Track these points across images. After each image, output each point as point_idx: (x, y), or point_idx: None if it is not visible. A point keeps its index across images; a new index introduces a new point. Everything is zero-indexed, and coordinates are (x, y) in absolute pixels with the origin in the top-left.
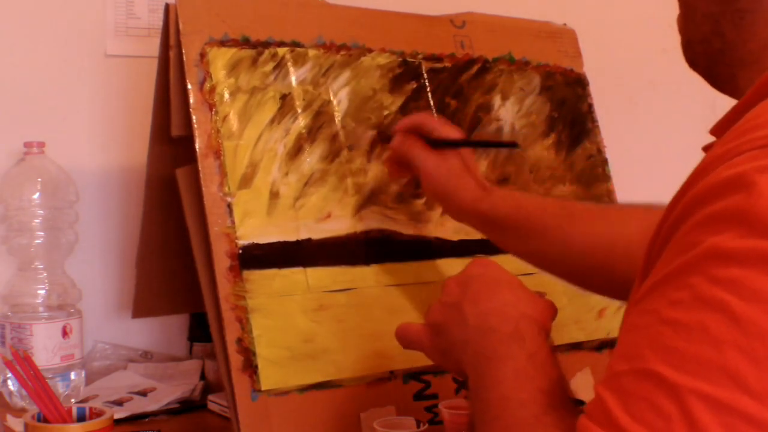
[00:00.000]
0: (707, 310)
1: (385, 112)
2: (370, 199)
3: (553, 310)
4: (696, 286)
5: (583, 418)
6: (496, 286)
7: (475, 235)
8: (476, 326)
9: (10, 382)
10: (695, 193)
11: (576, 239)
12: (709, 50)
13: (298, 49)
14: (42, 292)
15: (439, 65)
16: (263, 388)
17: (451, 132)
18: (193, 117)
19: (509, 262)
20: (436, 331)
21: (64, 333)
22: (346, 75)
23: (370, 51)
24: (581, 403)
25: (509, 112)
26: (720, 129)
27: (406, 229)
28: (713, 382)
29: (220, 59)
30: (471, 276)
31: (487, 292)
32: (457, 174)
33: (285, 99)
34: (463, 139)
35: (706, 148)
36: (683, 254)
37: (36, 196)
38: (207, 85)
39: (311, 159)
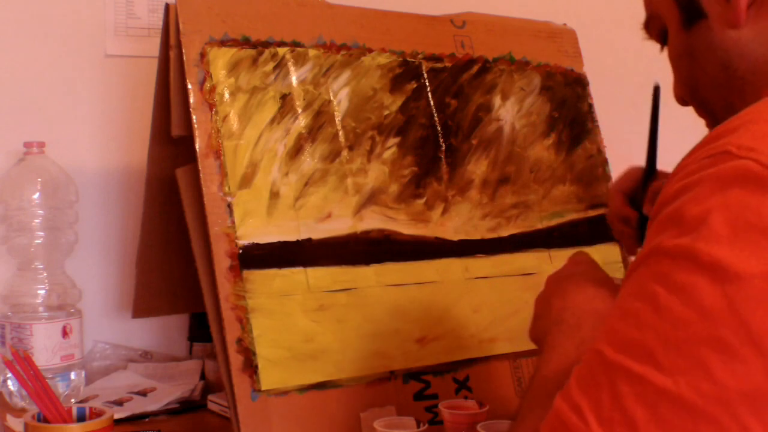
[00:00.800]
0: (642, 299)
1: (385, 112)
2: (370, 199)
3: None
4: (640, 279)
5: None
6: (584, 283)
7: (476, 235)
8: (554, 319)
9: (10, 382)
10: (658, 202)
11: None
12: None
13: (299, 48)
14: (42, 292)
15: (439, 65)
16: (263, 388)
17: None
18: (193, 117)
19: (508, 263)
20: (535, 321)
21: (64, 333)
22: (346, 75)
23: (370, 51)
24: None
25: (509, 112)
26: None
27: (406, 229)
28: (635, 358)
29: (221, 59)
30: (565, 274)
31: (574, 288)
32: None
33: (285, 99)
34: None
35: None
36: (643, 250)
37: (36, 196)
38: (207, 85)
39: (311, 159)
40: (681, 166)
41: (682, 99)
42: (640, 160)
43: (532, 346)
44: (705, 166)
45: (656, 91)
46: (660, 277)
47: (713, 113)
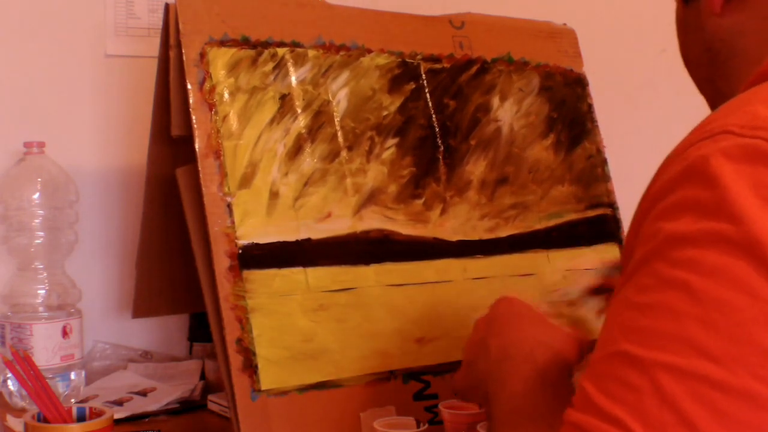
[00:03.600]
0: (668, 289)
1: (384, 113)
2: (369, 199)
3: (577, 342)
4: (658, 270)
5: (568, 409)
6: (519, 320)
7: (474, 235)
8: (496, 357)
9: (10, 382)
10: (656, 189)
11: None
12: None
13: (298, 49)
14: (42, 292)
15: (437, 66)
16: (263, 388)
17: None
18: (193, 117)
19: (507, 263)
20: (467, 368)
21: (64, 333)
22: (345, 75)
23: (369, 51)
24: None
25: (508, 113)
26: None
27: (406, 229)
28: (677, 353)
29: (220, 59)
30: (496, 314)
31: (509, 326)
32: None
33: (285, 99)
34: None
35: None
36: (647, 244)
37: (36, 196)
38: (207, 85)
39: (311, 159)
40: (676, 151)
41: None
42: (640, 160)
43: None
44: (705, 146)
45: None
46: (688, 264)
47: (701, 89)
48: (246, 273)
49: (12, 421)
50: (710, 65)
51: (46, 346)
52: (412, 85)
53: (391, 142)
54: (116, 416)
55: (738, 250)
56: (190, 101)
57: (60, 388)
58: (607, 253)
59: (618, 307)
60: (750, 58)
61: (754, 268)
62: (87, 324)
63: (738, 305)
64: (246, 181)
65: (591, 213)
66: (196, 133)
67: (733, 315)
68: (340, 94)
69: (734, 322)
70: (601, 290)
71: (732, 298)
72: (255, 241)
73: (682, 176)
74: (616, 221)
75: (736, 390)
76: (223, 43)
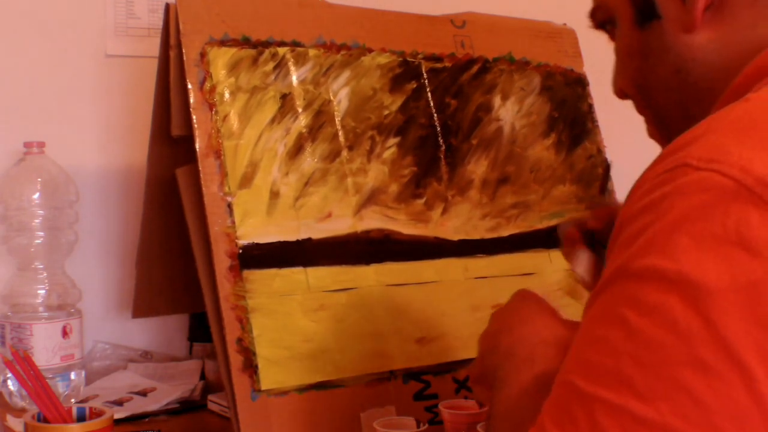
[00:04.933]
0: (612, 324)
1: (385, 112)
2: (370, 199)
3: None
4: (606, 302)
5: (530, 428)
6: (530, 316)
7: (475, 235)
8: (503, 353)
9: (10, 382)
10: (618, 222)
11: None
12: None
13: (299, 48)
14: (42, 292)
15: (439, 65)
16: (263, 388)
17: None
18: (193, 117)
19: (508, 263)
20: (481, 359)
21: (64, 333)
22: (346, 74)
23: (370, 51)
24: None
25: (509, 112)
26: None
27: (406, 229)
28: (611, 388)
29: (221, 59)
30: (510, 309)
31: (520, 321)
32: None
33: (285, 98)
34: None
35: None
36: (607, 271)
37: (36, 196)
38: (207, 85)
39: (311, 158)
40: (640, 182)
41: (623, 92)
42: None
43: None
44: (665, 181)
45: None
46: (628, 300)
47: (665, 116)
48: (246, 273)
49: (12, 421)
50: (680, 88)
51: (46, 346)
52: (413, 85)
53: (392, 141)
54: (116, 416)
55: (672, 288)
56: (191, 101)
57: (60, 388)
58: None
59: (580, 330)
60: (729, 74)
61: (684, 308)
62: (87, 324)
63: (666, 344)
64: (246, 180)
65: None
66: (197, 132)
67: (660, 353)
68: (340, 94)
69: (660, 360)
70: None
71: (661, 336)
72: (255, 241)
73: (642, 209)
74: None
75: (661, 426)
76: (223, 43)
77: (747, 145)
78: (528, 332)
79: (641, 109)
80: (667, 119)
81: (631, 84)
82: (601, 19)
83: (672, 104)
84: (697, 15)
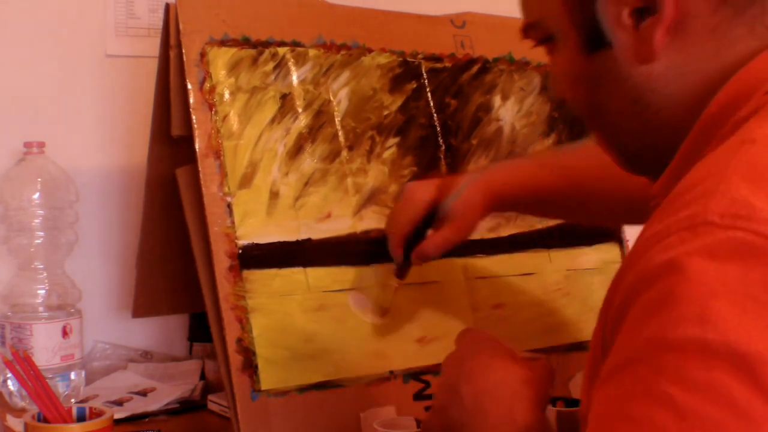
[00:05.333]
0: (653, 403)
1: (385, 112)
2: (370, 199)
3: (549, 375)
4: (642, 377)
5: None
6: (490, 363)
7: (475, 235)
8: (472, 408)
9: (10, 382)
10: (634, 278)
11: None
12: (649, 156)
13: (299, 48)
14: (42, 292)
15: (439, 65)
16: (263, 388)
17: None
18: (193, 117)
19: (508, 263)
20: (439, 412)
21: (64, 333)
22: (346, 75)
23: (370, 51)
24: (576, 403)
25: (509, 112)
26: (661, 188)
27: None
28: None
29: (221, 59)
30: (466, 355)
31: (481, 370)
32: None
33: (285, 99)
34: None
35: (655, 205)
36: (631, 341)
37: (36, 196)
38: (207, 85)
39: (311, 159)
40: (648, 236)
41: (562, 99)
42: None
43: (531, 346)
44: (685, 239)
45: None
46: (671, 376)
47: (622, 142)
48: (246, 273)
49: (12, 421)
50: (639, 118)
51: (46, 346)
52: (413, 85)
53: (392, 141)
54: (116, 416)
55: (722, 361)
56: (191, 101)
57: (60, 388)
58: (607, 253)
59: (607, 407)
60: (693, 104)
61: (739, 383)
62: (87, 324)
63: (725, 425)
64: (246, 180)
65: None
66: (196, 133)
67: None
68: (340, 94)
69: None
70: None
71: (719, 417)
72: (255, 241)
73: (665, 269)
74: None
75: None
76: (223, 43)
77: None
78: (497, 384)
79: (592, 129)
80: (624, 146)
81: (581, 107)
82: (537, 38)
83: (630, 132)
84: (656, 46)
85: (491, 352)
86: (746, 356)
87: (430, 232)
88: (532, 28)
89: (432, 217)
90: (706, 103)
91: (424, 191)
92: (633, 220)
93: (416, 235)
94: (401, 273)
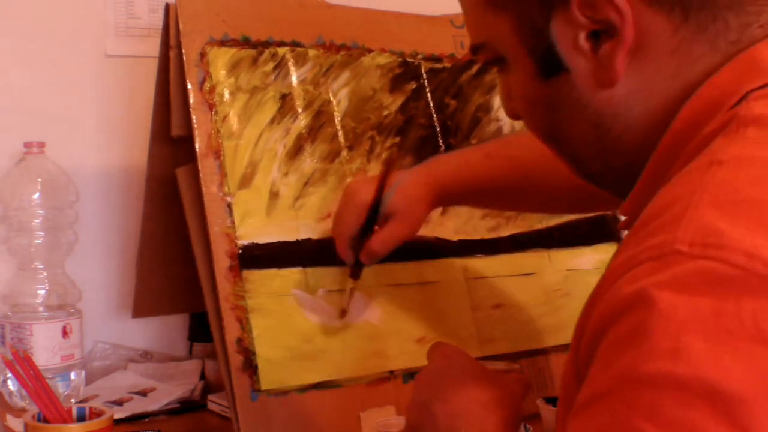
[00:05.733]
0: None
1: (385, 112)
2: None
3: (522, 388)
4: (616, 412)
5: None
6: (462, 381)
7: (475, 235)
8: (445, 428)
9: (10, 382)
10: (604, 309)
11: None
12: (612, 174)
13: (299, 48)
14: (42, 292)
15: (438, 65)
16: (263, 388)
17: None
18: (193, 117)
19: (508, 263)
20: (414, 431)
21: (64, 333)
22: (346, 75)
23: (369, 51)
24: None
25: None
26: (629, 208)
27: None
28: None
29: (221, 59)
30: (438, 372)
31: (454, 389)
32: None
33: (285, 99)
34: None
35: (624, 226)
36: (604, 372)
37: (36, 196)
38: (207, 85)
39: (311, 159)
40: (615, 266)
41: (516, 116)
42: None
43: (531, 347)
44: (654, 270)
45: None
46: (645, 412)
47: (583, 164)
48: (246, 273)
49: (12, 421)
50: (599, 142)
51: (46, 346)
52: (412, 85)
53: (392, 141)
54: (116, 416)
55: (697, 399)
56: (190, 101)
57: (60, 388)
58: (607, 253)
59: None
60: (656, 125)
61: (716, 423)
62: (87, 324)
63: None
64: (246, 181)
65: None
66: (196, 133)
67: None
68: (340, 94)
69: None
70: None
71: None
72: (255, 241)
73: (634, 302)
74: (616, 221)
75: None
76: (223, 43)
77: (741, 225)
78: (469, 403)
79: (551, 150)
80: (585, 167)
81: (538, 130)
82: (486, 59)
83: (590, 156)
84: (616, 70)
85: (463, 369)
86: (723, 394)
87: (376, 229)
88: (481, 49)
89: (376, 215)
90: (669, 123)
91: (365, 190)
92: (581, 209)
93: (363, 235)
94: (355, 274)
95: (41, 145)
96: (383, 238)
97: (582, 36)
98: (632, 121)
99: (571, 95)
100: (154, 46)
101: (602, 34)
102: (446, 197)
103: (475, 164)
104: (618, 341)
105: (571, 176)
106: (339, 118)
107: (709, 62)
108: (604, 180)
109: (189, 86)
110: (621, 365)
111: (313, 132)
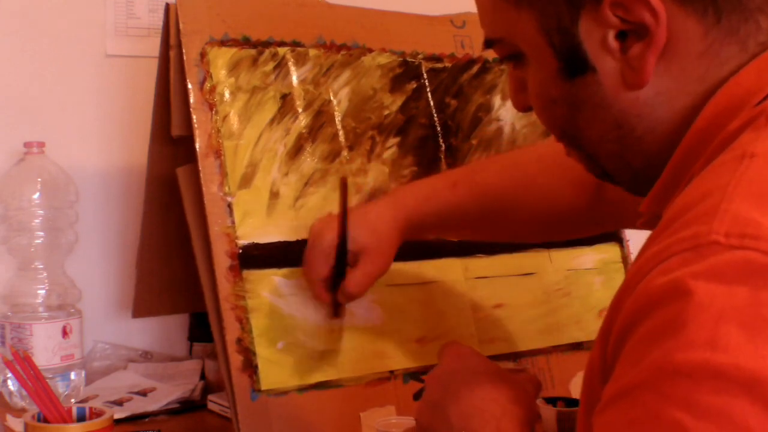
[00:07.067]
0: (662, 430)
1: (386, 112)
2: (370, 199)
3: (536, 387)
4: (650, 404)
5: None
6: (476, 380)
7: None
8: (459, 428)
9: (10, 382)
10: (635, 301)
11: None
12: (627, 173)
13: (299, 48)
14: (42, 292)
15: (439, 65)
16: (263, 388)
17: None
18: (193, 117)
19: (508, 263)
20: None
21: (64, 333)
22: (346, 75)
23: (370, 51)
24: (576, 403)
25: (510, 112)
26: (649, 205)
27: None
28: None
29: (221, 59)
30: (451, 371)
31: (467, 388)
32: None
33: (285, 99)
34: None
35: (643, 223)
36: (635, 366)
37: (36, 196)
38: (207, 85)
39: (311, 159)
40: (648, 257)
41: (526, 108)
42: None
43: (531, 347)
44: (689, 260)
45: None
46: (681, 402)
47: (601, 163)
48: (246, 273)
49: (12, 421)
50: (621, 142)
51: (46, 346)
52: (413, 85)
53: (393, 141)
54: (116, 416)
55: (734, 386)
56: (191, 101)
57: (60, 388)
58: (607, 253)
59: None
60: (678, 127)
61: (753, 409)
62: (87, 324)
63: None
64: (246, 180)
65: None
66: (197, 132)
67: None
68: (341, 94)
69: None
70: None
71: None
72: (255, 241)
73: (670, 293)
74: None
75: None
76: (223, 43)
77: None
78: (484, 402)
79: (568, 147)
80: (601, 165)
81: (556, 129)
82: (502, 54)
83: (609, 154)
84: (647, 73)
85: (476, 368)
86: (760, 381)
87: (348, 269)
88: (498, 44)
89: (345, 254)
90: (691, 123)
91: (328, 230)
92: (555, 235)
93: (337, 275)
94: (336, 312)
95: (41, 145)
96: (358, 281)
97: (611, 36)
98: (655, 122)
99: (595, 95)
100: (154, 46)
101: (630, 34)
102: (414, 229)
103: (442, 193)
104: (651, 333)
105: (541, 203)
106: (339, 118)
107: (737, 64)
108: (620, 178)
109: (189, 86)
110: (655, 356)
111: (313, 132)
